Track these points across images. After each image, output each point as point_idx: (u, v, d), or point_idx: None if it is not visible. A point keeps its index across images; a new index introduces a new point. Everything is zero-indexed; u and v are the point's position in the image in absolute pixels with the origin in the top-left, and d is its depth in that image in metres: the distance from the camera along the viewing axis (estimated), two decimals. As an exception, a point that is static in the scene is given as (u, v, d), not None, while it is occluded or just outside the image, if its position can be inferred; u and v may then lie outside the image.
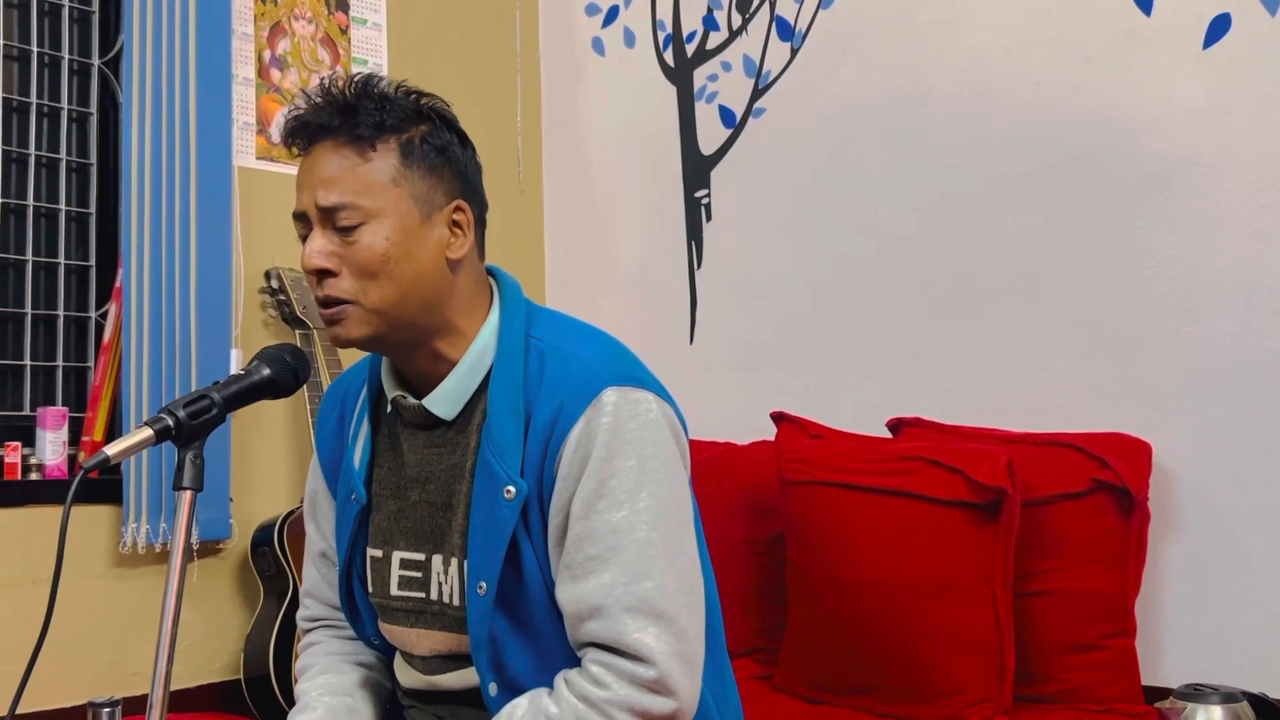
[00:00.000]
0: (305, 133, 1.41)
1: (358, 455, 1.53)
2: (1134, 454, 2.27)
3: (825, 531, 2.32)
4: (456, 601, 1.45)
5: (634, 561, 1.33)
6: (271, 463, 2.86)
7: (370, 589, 1.54)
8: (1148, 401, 2.42)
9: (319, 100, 1.41)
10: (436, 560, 1.47)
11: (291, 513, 2.71)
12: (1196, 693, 2.00)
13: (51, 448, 2.56)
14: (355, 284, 1.38)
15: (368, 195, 1.37)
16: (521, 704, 1.36)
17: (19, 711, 1.24)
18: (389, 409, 1.52)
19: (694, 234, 3.21)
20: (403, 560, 1.50)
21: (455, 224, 1.43)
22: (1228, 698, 1.99)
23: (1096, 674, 2.20)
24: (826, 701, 2.29)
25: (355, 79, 1.42)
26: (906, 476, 2.23)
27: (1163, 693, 2.09)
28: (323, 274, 1.39)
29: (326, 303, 1.40)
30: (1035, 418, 2.53)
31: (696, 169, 3.20)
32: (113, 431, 2.66)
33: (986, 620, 2.15)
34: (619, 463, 1.35)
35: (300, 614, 1.70)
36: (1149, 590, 2.31)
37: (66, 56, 2.78)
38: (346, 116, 1.39)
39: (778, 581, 2.51)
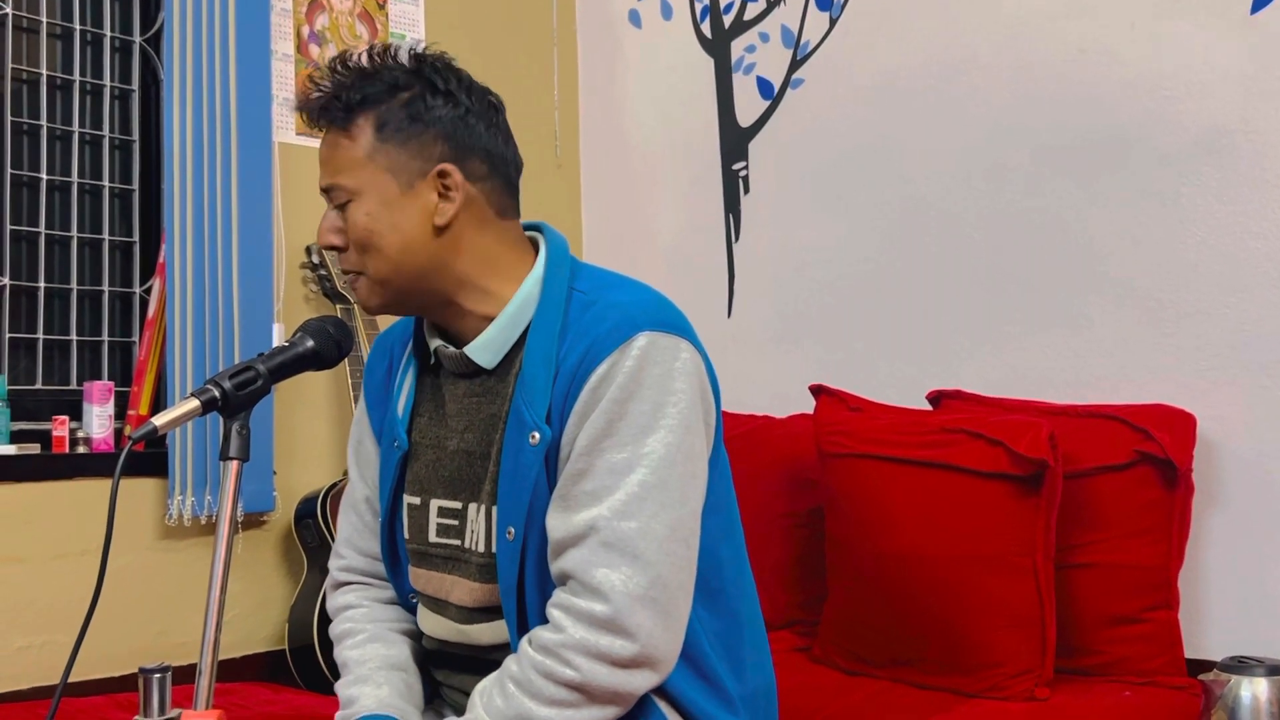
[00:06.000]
0: (308, 120, 1.49)
1: (401, 403, 1.56)
2: (1178, 425, 2.25)
3: (865, 504, 2.31)
4: (481, 548, 1.46)
5: (625, 501, 1.33)
6: (314, 436, 2.89)
7: (408, 535, 1.56)
8: (1192, 373, 2.39)
9: (324, 85, 1.46)
10: (472, 508, 1.48)
11: (334, 485, 2.73)
12: (1241, 665, 1.98)
13: (98, 421, 2.59)
14: (357, 257, 1.45)
15: (347, 174, 1.43)
16: (493, 675, 1.38)
17: (70, 680, 1.26)
18: (433, 360, 1.54)
19: (731, 207, 3.19)
20: (440, 508, 1.52)
21: (445, 188, 1.44)
22: (1273, 670, 1.97)
23: (1138, 647, 2.19)
24: (866, 673, 2.29)
25: (334, 60, 1.48)
26: (947, 449, 2.22)
27: (1206, 665, 2.08)
28: (333, 249, 1.47)
29: (345, 272, 1.49)
30: (1078, 390, 2.51)
31: (734, 141, 3.19)
32: (158, 405, 2.69)
33: (1028, 593, 2.14)
34: (632, 405, 1.35)
35: (334, 563, 1.69)
36: (1192, 563, 2.29)
37: (108, 34, 2.80)
38: (329, 101, 1.45)
39: (817, 554, 2.51)
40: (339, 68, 1.46)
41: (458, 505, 1.50)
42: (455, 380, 1.51)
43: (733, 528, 1.53)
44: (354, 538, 1.67)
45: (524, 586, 1.42)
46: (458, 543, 1.50)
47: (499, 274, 1.47)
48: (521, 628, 1.42)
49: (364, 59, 1.46)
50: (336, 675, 1.61)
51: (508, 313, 1.45)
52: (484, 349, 1.46)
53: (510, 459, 1.41)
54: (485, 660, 1.48)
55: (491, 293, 1.46)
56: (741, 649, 1.51)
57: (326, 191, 1.45)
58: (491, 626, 1.48)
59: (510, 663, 1.37)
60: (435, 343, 1.51)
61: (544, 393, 1.39)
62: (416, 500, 1.54)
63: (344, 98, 1.44)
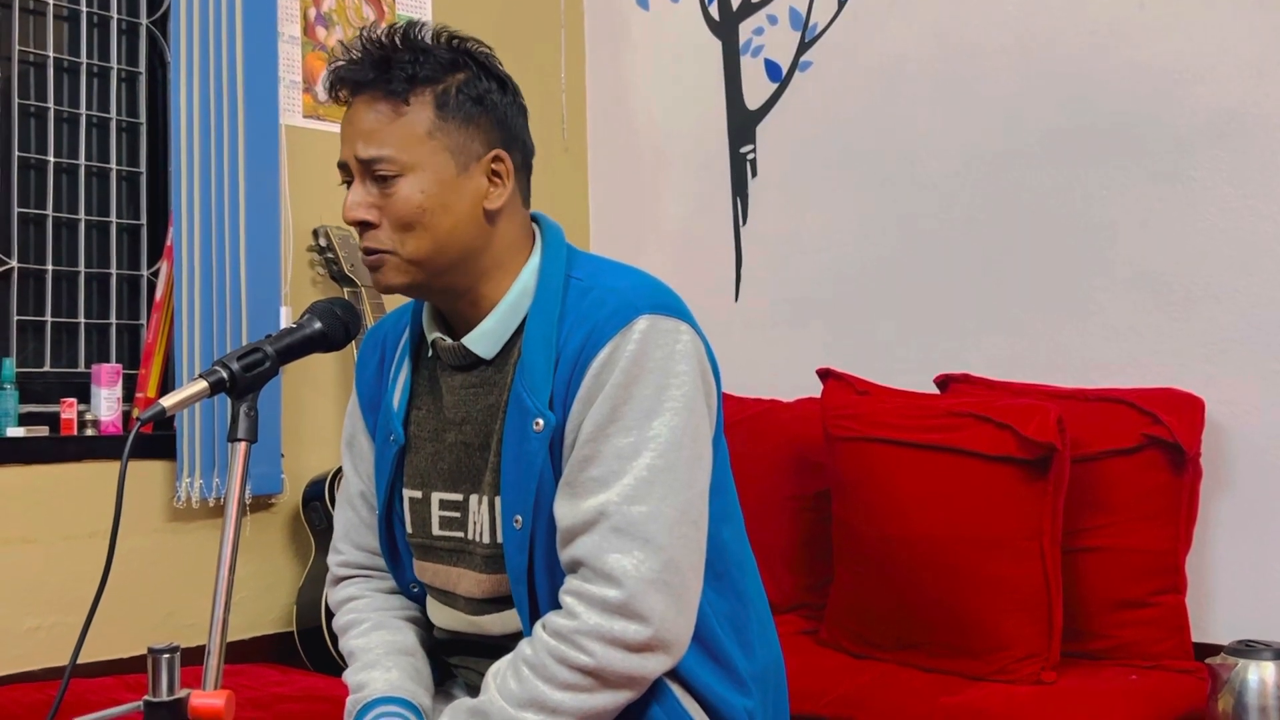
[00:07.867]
0: (344, 85, 1.43)
1: (396, 397, 1.55)
2: (1186, 409, 2.24)
3: (872, 488, 2.31)
4: (486, 539, 1.46)
5: (633, 485, 1.33)
6: (321, 419, 2.89)
7: (410, 529, 1.55)
8: (1201, 356, 2.39)
9: (358, 53, 1.42)
10: (473, 500, 1.48)
11: (342, 468, 2.73)
12: (1248, 649, 1.98)
13: (106, 404, 2.59)
14: (393, 235, 1.40)
15: (404, 148, 1.39)
16: (506, 657, 1.38)
17: (80, 661, 1.27)
18: (429, 352, 1.53)
19: (739, 190, 3.19)
20: (442, 501, 1.51)
21: (494, 174, 1.44)
22: (1280, 654, 1.97)
23: (1146, 630, 2.20)
24: (872, 656, 2.29)
25: (394, 29, 1.43)
26: (955, 433, 2.22)
27: (1213, 649, 2.08)
28: (363, 225, 1.42)
29: (368, 251, 1.43)
30: (1086, 373, 2.50)
31: (742, 124, 3.18)
32: (166, 388, 2.69)
33: (1035, 576, 2.14)
34: (635, 389, 1.35)
35: (333, 559, 1.68)
36: (1200, 547, 2.29)
37: (115, 16, 2.79)
38: (381, 70, 1.40)
39: (824, 537, 2.51)
40: (385, 40, 1.41)
41: (459, 497, 1.50)
42: (452, 373, 1.50)
43: (733, 509, 1.53)
44: (351, 533, 1.66)
45: (534, 574, 1.42)
46: (461, 535, 1.50)
47: (514, 261, 1.47)
48: (533, 616, 1.42)
49: (403, 34, 1.42)
50: (344, 657, 1.61)
51: (506, 302, 1.45)
52: (482, 339, 1.45)
53: (512, 447, 1.41)
54: (500, 647, 1.48)
55: (507, 279, 1.46)
56: (749, 628, 1.52)
57: (366, 163, 1.39)
58: (501, 617, 1.48)
59: (524, 646, 1.36)
60: (433, 334, 1.51)
61: (545, 379, 1.39)
62: (417, 494, 1.54)
63: (405, 69, 1.38)
